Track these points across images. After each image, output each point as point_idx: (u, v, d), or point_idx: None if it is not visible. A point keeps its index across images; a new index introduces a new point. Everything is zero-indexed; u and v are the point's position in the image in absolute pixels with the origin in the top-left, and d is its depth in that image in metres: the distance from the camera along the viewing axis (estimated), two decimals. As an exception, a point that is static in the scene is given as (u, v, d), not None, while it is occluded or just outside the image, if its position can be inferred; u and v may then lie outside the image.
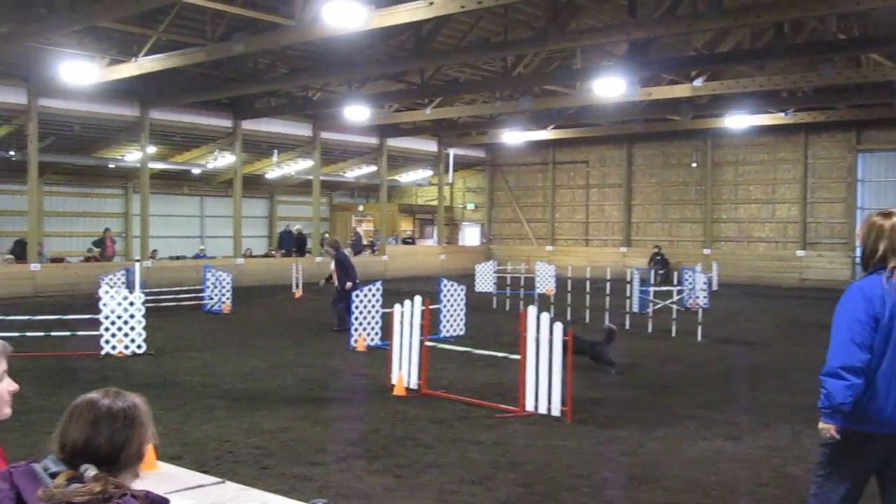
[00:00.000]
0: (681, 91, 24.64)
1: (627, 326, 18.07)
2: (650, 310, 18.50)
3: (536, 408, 9.53)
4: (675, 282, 21.88)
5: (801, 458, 7.90)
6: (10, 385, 2.90)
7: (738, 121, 30.23)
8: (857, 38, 21.04)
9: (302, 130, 32.70)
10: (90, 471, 2.28)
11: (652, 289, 19.66)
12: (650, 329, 17.52)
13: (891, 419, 4.41)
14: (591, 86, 23.83)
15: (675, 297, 19.25)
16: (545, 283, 26.06)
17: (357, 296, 14.95)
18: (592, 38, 18.71)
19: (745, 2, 19.47)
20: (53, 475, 2.30)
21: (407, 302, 11.20)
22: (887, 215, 4.57)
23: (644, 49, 21.03)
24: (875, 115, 29.50)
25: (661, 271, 32.25)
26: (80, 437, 2.35)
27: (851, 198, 31.96)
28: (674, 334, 16.85)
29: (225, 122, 30.07)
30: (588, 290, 19.75)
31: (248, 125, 30.54)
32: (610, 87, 22.57)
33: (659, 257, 33.97)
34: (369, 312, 15.03)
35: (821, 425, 4.54)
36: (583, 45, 21.22)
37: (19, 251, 26.90)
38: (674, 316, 17.30)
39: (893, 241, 4.45)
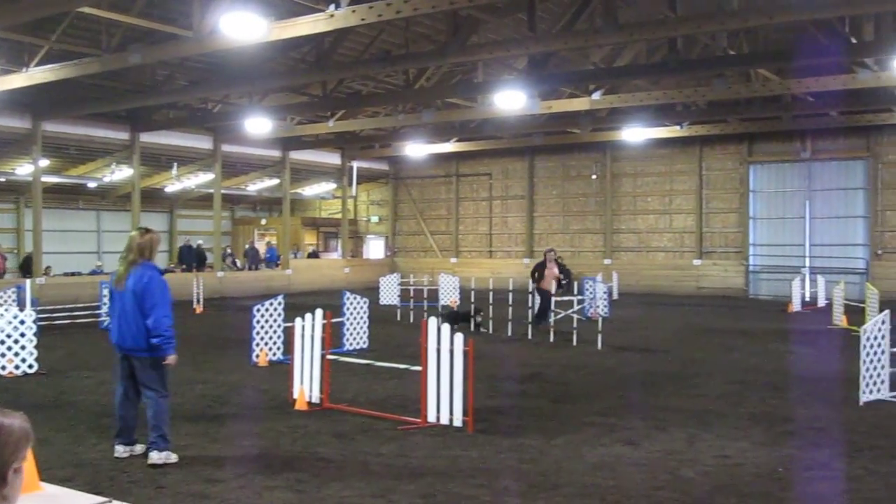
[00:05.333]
0: (579, 104, 25.12)
1: (530, 336, 18.30)
2: (551, 320, 18.74)
3: (438, 419, 9.56)
4: (576, 292, 22.21)
5: (696, 461, 8.12)
6: None
7: (635, 133, 30.96)
8: (746, 54, 21.79)
9: (202, 143, 32.18)
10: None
11: (553, 299, 19.92)
12: (552, 338, 17.76)
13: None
14: (493, 99, 24.12)
15: (576, 307, 19.56)
16: (449, 295, 26.19)
17: (258, 310, 14.77)
18: (492, 51, 18.92)
19: (640, 18, 20.02)
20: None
21: (308, 315, 11.11)
22: (143, 232, 8.01)
23: (543, 63, 21.38)
24: (765, 128, 30.66)
25: (563, 281, 32.66)
26: None
27: (744, 208, 33.05)
28: (575, 343, 17.12)
29: (122, 135, 29.38)
30: (491, 300, 19.93)
31: (147, 138, 29.91)
32: (511, 100, 22.88)
33: (561, 267, 34.40)
34: (270, 327, 14.87)
35: (174, 358, 7.95)
36: (483, 59, 21.43)
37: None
38: (574, 325, 17.58)
39: (151, 247, 7.99)
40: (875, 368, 11.14)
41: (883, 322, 11.37)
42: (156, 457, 7.88)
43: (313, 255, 40.74)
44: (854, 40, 18.99)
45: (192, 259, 33.47)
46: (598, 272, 30.23)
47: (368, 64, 22.29)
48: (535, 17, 18.68)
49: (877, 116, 28.19)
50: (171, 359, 7.99)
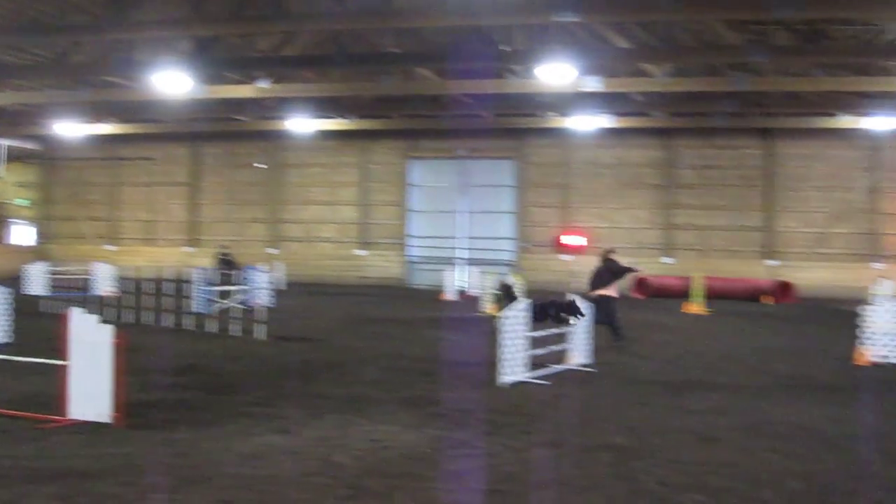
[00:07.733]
0: (245, 91, 24.86)
1: (193, 328, 17.87)
2: (213, 309, 18.41)
3: (84, 415, 9.06)
4: (240, 281, 22.01)
5: (348, 447, 8.34)
6: None
7: (301, 124, 31.16)
8: (409, 53, 22.70)
9: None
10: None
11: (215, 288, 19.58)
12: (214, 329, 17.45)
13: None
14: (155, 80, 23.15)
15: (238, 297, 19.37)
16: (106, 285, 24.92)
17: None
18: (154, 30, 18.22)
19: (309, 10, 20.20)
20: None
21: (-66, 307, 10.07)
22: None
23: (210, 47, 20.88)
24: (425, 126, 32.16)
25: (227, 271, 32.23)
26: None
27: (404, 201, 34.41)
28: (235, 333, 16.94)
29: None
30: (152, 291, 19.23)
31: None
32: (174, 82, 22.09)
33: (226, 257, 33.91)
34: None
35: None
36: (145, 37, 20.57)
37: None
38: (234, 315, 17.40)
39: None
40: (514, 352, 12.06)
41: (521, 310, 12.33)
42: None
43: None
44: (507, 48, 20.44)
45: None
46: (263, 261, 30.14)
47: (17, 32, 20.59)
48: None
49: (523, 120, 30.54)
50: None
